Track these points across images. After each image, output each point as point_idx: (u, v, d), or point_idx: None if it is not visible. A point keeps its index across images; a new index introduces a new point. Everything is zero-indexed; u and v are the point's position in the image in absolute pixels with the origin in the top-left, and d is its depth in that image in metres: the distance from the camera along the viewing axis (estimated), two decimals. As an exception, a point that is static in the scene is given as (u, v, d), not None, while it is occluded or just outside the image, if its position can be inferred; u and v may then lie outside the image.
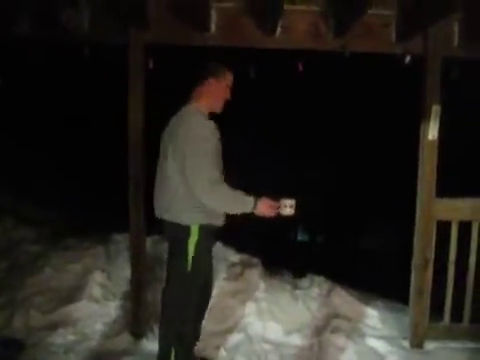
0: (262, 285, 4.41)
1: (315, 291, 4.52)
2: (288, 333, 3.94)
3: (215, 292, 4.18)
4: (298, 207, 3.07)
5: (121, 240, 5.11)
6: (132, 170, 3.66)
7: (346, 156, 8.45)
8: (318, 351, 3.75)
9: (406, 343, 3.82)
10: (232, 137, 8.42)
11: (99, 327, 3.93)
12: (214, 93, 3.06)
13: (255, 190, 2.99)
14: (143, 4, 3.44)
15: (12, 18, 3.55)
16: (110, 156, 7.56)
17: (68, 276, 4.56)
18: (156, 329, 3.86)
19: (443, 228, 3.73)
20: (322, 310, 4.25)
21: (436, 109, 3.57)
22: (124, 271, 4.38)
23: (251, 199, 2.96)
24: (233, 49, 3.61)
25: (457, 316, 3.87)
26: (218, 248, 5.20)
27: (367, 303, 4.35)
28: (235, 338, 3.86)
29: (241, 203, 2.96)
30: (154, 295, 4.12)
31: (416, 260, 3.74)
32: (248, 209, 2.96)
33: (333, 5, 3.39)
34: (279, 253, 5.26)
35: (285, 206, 3.07)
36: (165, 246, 5.05)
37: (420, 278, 3.75)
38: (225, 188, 2.90)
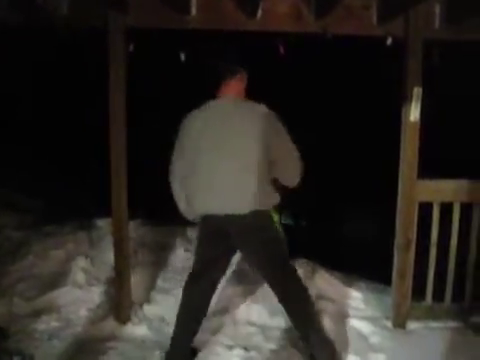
0: (246, 267, 4.42)
1: (299, 273, 4.53)
2: (272, 315, 3.95)
3: (199, 276, 4.20)
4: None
5: (103, 225, 5.08)
6: (114, 154, 3.63)
7: (328, 140, 8.46)
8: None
9: (389, 323, 3.87)
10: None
11: (83, 313, 3.91)
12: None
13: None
14: (123, -14, 3.39)
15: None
16: (92, 141, 7.51)
17: (51, 262, 4.53)
18: (140, 313, 3.88)
19: (425, 209, 3.76)
20: (306, 292, 4.27)
21: (417, 91, 3.57)
22: (107, 256, 4.37)
23: None
24: (214, 32, 3.59)
25: (439, 296, 3.92)
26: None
27: (350, 285, 4.39)
28: (220, 321, 3.86)
29: None
30: (138, 280, 4.12)
31: (398, 241, 3.77)
32: None
33: (314, -13, 3.36)
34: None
35: None
36: (147, 230, 5.11)
37: (402, 259, 3.79)
38: None
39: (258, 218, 2.96)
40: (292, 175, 3.07)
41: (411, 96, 3.57)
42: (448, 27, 3.50)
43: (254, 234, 3.02)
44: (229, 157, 2.93)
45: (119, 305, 3.81)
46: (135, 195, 3.84)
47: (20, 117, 8.37)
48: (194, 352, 3.42)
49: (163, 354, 3.35)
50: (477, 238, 3.85)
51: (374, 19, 3.50)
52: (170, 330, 3.70)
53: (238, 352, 3.45)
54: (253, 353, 3.47)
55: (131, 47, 3.58)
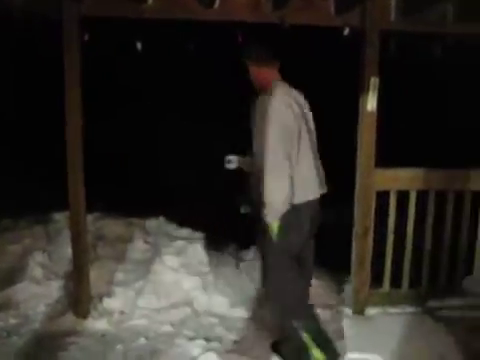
0: (206, 259, 4.42)
1: (259, 263, 4.57)
2: (233, 305, 3.98)
3: (159, 268, 4.18)
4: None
5: (61, 219, 4.99)
6: (70, 146, 3.55)
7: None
8: (263, 322, 3.81)
9: (348, 310, 3.93)
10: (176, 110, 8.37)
11: (42, 308, 3.84)
12: None
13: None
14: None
15: None
16: (47, 133, 7.35)
17: (7, 258, 4.44)
18: (100, 307, 3.84)
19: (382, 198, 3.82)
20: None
21: (374, 81, 3.62)
22: (65, 250, 4.29)
23: None
24: (170, 21, 3.55)
25: (396, 283, 4.00)
26: (161, 223, 5.19)
27: (310, 273, 4.44)
28: (181, 313, 3.86)
29: None
30: (97, 273, 4.07)
31: (356, 229, 3.83)
32: None
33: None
34: (222, 226, 5.26)
35: (228, 162, 3.50)
36: (105, 223, 5.04)
37: (360, 247, 3.85)
38: None
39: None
40: None
41: (368, 86, 3.62)
42: (403, 19, 3.55)
43: (320, 217, 3.22)
44: (313, 140, 3.16)
45: (78, 299, 3.75)
46: (92, 188, 3.78)
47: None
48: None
49: (122, 348, 3.35)
50: (432, 225, 3.94)
51: (332, 10, 3.52)
52: (130, 323, 3.71)
53: (200, 343, 3.45)
54: (215, 344, 3.48)
55: (86, 36, 3.51)
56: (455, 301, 3.92)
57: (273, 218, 2.94)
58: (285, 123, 2.92)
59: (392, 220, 3.88)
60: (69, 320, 3.70)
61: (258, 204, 3.03)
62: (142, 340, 3.50)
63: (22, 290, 4.01)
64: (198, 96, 8.49)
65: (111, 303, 3.89)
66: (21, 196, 6.25)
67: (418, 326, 3.73)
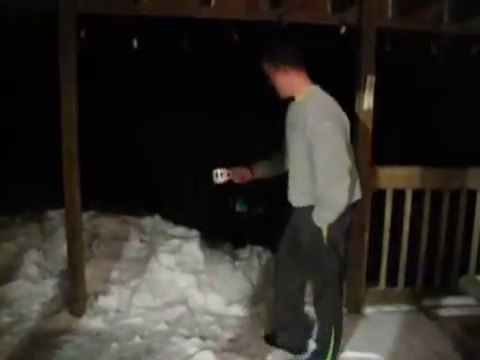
0: (202, 257, 4.41)
1: (255, 261, 4.57)
2: (229, 304, 3.97)
3: (154, 266, 4.17)
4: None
5: (56, 217, 4.98)
6: (66, 143, 3.53)
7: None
8: (258, 320, 3.81)
9: (344, 309, 3.93)
10: (171, 109, 8.34)
11: (37, 307, 3.82)
12: None
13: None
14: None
15: None
16: (42, 130, 7.32)
17: (1, 255, 4.41)
18: (96, 306, 3.83)
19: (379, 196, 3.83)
20: (262, 280, 4.31)
21: (371, 79, 3.62)
22: (60, 248, 4.29)
23: None
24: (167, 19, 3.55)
25: (392, 281, 4.01)
26: (156, 221, 5.18)
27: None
28: (176, 311, 3.85)
29: None
30: (92, 271, 4.06)
31: (352, 228, 3.83)
32: None
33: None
34: (218, 224, 5.26)
35: (216, 175, 3.33)
36: (101, 221, 5.02)
37: (356, 245, 3.85)
38: None
39: None
40: None
41: (364, 84, 3.62)
42: (400, 17, 3.56)
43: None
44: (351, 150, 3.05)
45: (73, 298, 3.74)
46: (88, 185, 3.76)
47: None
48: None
49: (118, 346, 3.35)
50: (428, 223, 3.95)
51: (328, 8, 3.52)
52: (126, 321, 3.69)
53: (195, 341, 3.44)
54: (210, 342, 3.47)
55: (82, 33, 3.50)
56: (450, 300, 3.93)
57: (324, 224, 2.91)
58: (342, 122, 2.94)
59: (388, 218, 3.89)
60: (64, 318, 3.68)
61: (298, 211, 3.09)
62: (137, 338, 3.49)
63: (17, 288, 3.99)
64: (194, 94, 8.49)
65: (106, 301, 3.88)
66: (16, 194, 6.22)
67: (414, 325, 3.76)
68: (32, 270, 4.19)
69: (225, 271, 4.33)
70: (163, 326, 3.66)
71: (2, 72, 7.64)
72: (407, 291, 4.03)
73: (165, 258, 4.25)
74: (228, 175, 3.35)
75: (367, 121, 3.70)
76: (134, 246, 4.68)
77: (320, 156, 2.80)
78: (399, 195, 3.90)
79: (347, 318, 3.79)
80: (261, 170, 3.42)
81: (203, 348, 3.33)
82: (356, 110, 3.72)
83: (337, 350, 3.17)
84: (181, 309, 3.87)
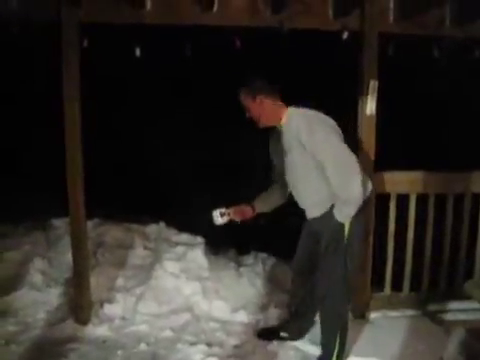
0: (206, 264, 4.42)
1: (259, 267, 4.57)
2: (234, 310, 3.97)
3: (159, 273, 4.17)
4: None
5: (61, 225, 4.98)
6: (70, 151, 3.54)
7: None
8: (263, 326, 3.81)
9: (349, 314, 3.91)
10: (174, 115, 8.34)
11: (42, 315, 3.82)
12: None
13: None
14: (75, -20, 3.31)
15: None
16: (46, 138, 7.33)
17: (6, 264, 4.41)
18: (101, 314, 3.83)
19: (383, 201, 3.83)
20: (267, 286, 4.30)
21: (373, 84, 3.62)
22: (65, 257, 4.29)
23: None
24: (169, 27, 3.56)
25: (397, 286, 4.00)
26: (161, 229, 5.18)
27: (310, 277, 4.43)
28: (181, 318, 3.85)
29: None
30: (97, 279, 4.06)
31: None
32: None
33: (270, -19, 3.37)
34: (222, 231, 5.25)
35: (216, 216, 3.34)
36: (105, 229, 5.03)
37: (361, 250, 3.84)
38: None
39: None
40: None
41: (367, 90, 3.62)
42: (402, 21, 3.56)
43: None
44: None
45: (79, 306, 3.74)
46: (92, 193, 3.77)
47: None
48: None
49: (123, 353, 3.35)
50: (433, 228, 3.94)
51: (330, 13, 3.53)
52: (131, 329, 3.69)
53: (201, 348, 3.43)
54: (216, 349, 3.46)
55: (85, 42, 3.51)
56: (456, 304, 3.92)
57: (348, 218, 2.94)
58: (331, 125, 3.02)
59: (392, 224, 3.88)
60: (70, 327, 3.68)
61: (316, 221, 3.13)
62: (143, 346, 3.48)
63: (22, 297, 3.99)
64: (196, 101, 8.49)
65: (112, 309, 3.88)
66: (21, 202, 6.23)
67: (419, 330, 3.74)
68: (37, 278, 4.19)
69: (230, 278, 4.33)
70: (168, 333, 3.65)
71: (5, 81, 7.68)
72: (412, 296, 4.02)
73: (170, 265, 4.26)
74: (228, 214, 3.35)
75: (370, 126, 3.69)
76: (139, 254, 4.68)
77: (327, 160, 2.86)
78: (403, 200, 3.90)
79: (352, 323, 3.78)
80: (262, 205, 3.46)
81: (209, 355, 3.33)
82: (359, 115, 3.72)
83: (342, 356, 3.16)
84: (186, 316, 3.87)
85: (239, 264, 4.69)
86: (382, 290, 4.01)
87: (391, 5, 3.57)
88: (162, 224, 5.25)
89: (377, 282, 3.98)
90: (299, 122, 2.96)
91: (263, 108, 3.09)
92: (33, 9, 3.42)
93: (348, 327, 3.21)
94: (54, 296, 4.04)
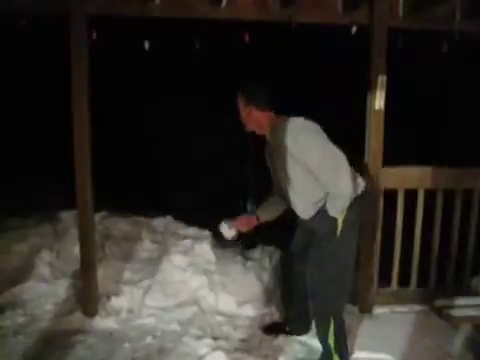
0: (213, 257, 4.42)
1: (266, 261, 4.57)
2: (240, 304, 3.97)
3: (166, 266, 4.18)
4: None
5: (68, 217, 4.99)
6: (78, 144, 3.55)
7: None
8: (270, 320, 3.81)
9: (355, 309, 3.92)
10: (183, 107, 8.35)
11: (49, 307, 3.84)
12: None
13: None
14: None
15: None
16: (50, 129, 7.35)
17: (15, 257, 4.43)
18: (108, 306, 3.84)
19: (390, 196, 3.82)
20: (273, 280, 4.30)
21: (382, 79, 3.61)
22: (73, 249, 4.31)
23: None
24: (178, 20, 3.55)
25: (404, 281, 3.99)
26: (168, 222, 5.19)
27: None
28: (188, 311, 3.86)
29: None
30: (104, 272, 4.08)
31: (364, 228, 3.81)
32: None
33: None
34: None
35: (225, 229, 3.40)
36: (113, 221, 5.04)
37: (368, 245, 3.84)
38: None
39: None
40: None
41: (375, 85, 3.61)
42: (411, 15, 3.54)
43: None
44: None
45: (86, 298, 3.76)
46: (100, 186, 3.78)
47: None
48: None
49: (130, 346, 3.37)
50: (441, 223, 3.93)
51: (339, 8, 3.51)
52: (138, 322, 3.71)
53: (207, 342, 3.44)
54: (222, 342, 3.47)
55: (94, 35, 3.51)
56: (463, 300, 3.90)
57: (340, 212, 2.97)
58: (314, 128, 3.01)
59: (400, 219, 3.87)
60: (77, 319, 3.70)
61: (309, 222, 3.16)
62: (149, 339, 3.50)
63: (29, 289, 4.02)
64: (205, 95, 8.49)
65: (119, 302, 3.89)
66: (28, 195, 6.26)
67: (426, 325, 3.73)
68: (45, 271, 4.21)
69: (237, 271, 4.34)
70: (175, 326, 3.67)
71: (16, 74, 7.71)
72: (419, 291, 4.01)
73: (177, 259, 4.27)
74: (235, 226, 3.38)
75: (378, 121, 3.69)
76: (146, 247, 4.69)
77: (313, 160, 2.91)
78: (411, 195, 3.89)
79: (358, 318, 3.81)
80: (265, 214, 3.46)
81: (215, 348, 3.33)
82: (367, 110, 3.71)
83: (342, 351, 3.14)
84: (193, 309, 3.88)
85: (246, 258, 4.69)
86: (389, 285, 4.00)
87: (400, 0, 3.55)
88: (169, 217, 5.26)
89: (384, 277, 3.97)
90: (283, 130, 2.99)
91: (251, 116, 3.16)
92: (40, 2, 3.43)
93: (344, 323, 3.16)
94: (62, 288, 4.06)
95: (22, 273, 4.19)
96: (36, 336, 3.49)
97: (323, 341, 3.15)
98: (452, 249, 3.99)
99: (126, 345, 3.42)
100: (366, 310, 3.90)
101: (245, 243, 5.03)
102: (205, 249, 4.46)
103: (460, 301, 3.77)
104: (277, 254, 4.70)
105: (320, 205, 3.04)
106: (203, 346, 3.38)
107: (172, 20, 3.52)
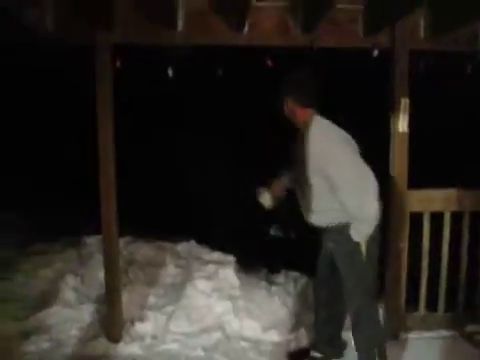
0: (237, 283, 4.40)
1: (291, 286, 4.54)
2: (265, 330, 3.94)
3: (190, 292, 4.17)
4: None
5: (93, 243, 5.03)
6: (103, 170, 3.59)
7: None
8: (295, 346, 3.77)
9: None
10: (206, 134, 8.41)
11: (74, 332, 3.85)
12: None
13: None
14: (109, 3, 3.37)
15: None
16: (76, 155, 7.46)
17: (40, 281, 4.48)
18: (132, 331, 3.84)
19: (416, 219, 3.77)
20: (298, 306, 4.26)
21: (405, 102, 3.60)
22: (97, 274, 4.33)
23: None
24: (201, 47, 3.60)
25: (432, 306, 3.92)
26: (192, 247, 5.20)
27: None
28: (212, 337, 3.83)
29: None
30: (129, 297, 4.08)
31: (390, 252, 3.77)
32: None
33: (301, 1, 3.37)
34: (253, 249, 5.24)
35: (260, 195, 3.35)
36: (137, 246, 5.06)
37: (394, 269, 3.79)
38: None
39: None
40: None
41: (398, 107, 3.60)
42: (433, 37, 3.54)
43: None
44: None
45: (110, 323, 3.76)
46: (124, 211, 3.80)
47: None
48: None
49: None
50: (468, 247, 3.86)
51: (360, 31, 3.52)
52: (162, 347, 3.69)
53: (232, 368, 3.42)
54: (247, 368, 3.44)
55: (118, 63, 3.57)
56: (493, 325, 3.83)
57: (364, 238, 2.91)
58: (347, 141, 3.00)
59: (426, 242, 3.82)
60: (101, 344, 3.69)
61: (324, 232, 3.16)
62: (174, 365, 3.49)
63: (54, 314, 4.04)
64: (229, 120, 8.55)
65: (143, 327, 3.88)
66: (53, 220, 6.33)
67: (455, 351, 3.65)
68: (70, 295, 4.23)
69: (261, 297, 4.30)
70: (200, 352, 3.64)
71: (41, 100, 7.86)
72: (448, 316, 3.92)
73: (201, 284, 4.26)
74: (271, 194, 3.34)
75: (402, 143, 3.66)
76: (170, 272, 4.69)
77: (340, 179, 2.85)
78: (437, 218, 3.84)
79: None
80: (287, 181, 3.41)
81: (240, 374, 3.31)
82: (391, 132, 3.70)
83: None
84: (217, 335, 3.85)
85: (270, 283, 4.66)
86: (416, 310, 3.93)
87: (422, 22, 3.55)
88: (193, 242, 5.26)
89: (411, 301, 3.91)
90: (314, 133, 2.99)
91: (289, 109, 3.16)
92: (68, 31, 3.50)
93: (385, 346, 3.13)
94: (86, 313, 4.07)
95: (47, 298, 4.23)
96: (61, 362, 3.49)
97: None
98: (480, 272, 3.92)
99: (150, 371, 3.40)
100: (393, 335, 3.82)
101: (269, 268, 5.02)
102: (229, 274, 4.44)
103: (490, 326, 3.71)
104: (302, 279, 4.67)
105: (334, 220, 3.00)
106: (228, 372, 3.36)
107: (195, 47, 3.57)
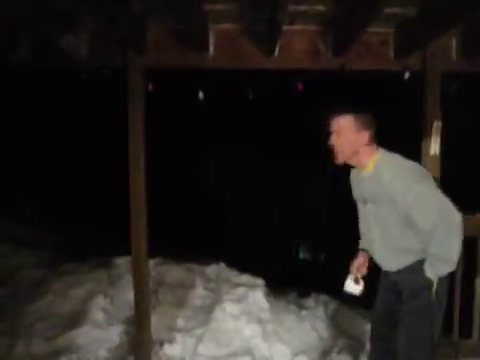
0: (267, 306, 4.37)
1: (321, 311, 4.49)
2: (295, 355, 3.88)
3: (219, 315, 4.15)
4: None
5: (123, 264, 5.07)
6: (133, 191, 3.62)
7: (344, 172, 8.47)
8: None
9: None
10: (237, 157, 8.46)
11: (103, 353, 3.86)
12: None
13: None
14: (142, 27, 3.44)
15: (10, 44, 3.54)
16: (107, 176, 7.56)
17: (70, 301, 4.52)
18: (161, 353, 3.83)
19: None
20: (328, 330, 4.20)
21: (437, 125, 3.56)
22: (127, 295, 4.35)
23: None
24: (232, 70, 3.63)
25: (465, 333, 3.82)
26: (221, 269, 5.19)
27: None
28: (241, 362, 3.80)
29: None
30: (158, 319, 4.08)
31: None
32: None
33: (331, 24, 3.39)
34: (282, 272, 5.21)
35: (351, 287, 3.05)
36: (167, 268, 5.08)
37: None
38: None
39: None
40: None
41: (430, 130, 3.56)
42: (465, 59, 3.51)
43: None
44: None
45: (139, 345, 3.75)
46: (154, 232, 3.82)
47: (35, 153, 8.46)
48: None
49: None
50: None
51: (391, 54, 3.51)
52: (190, 370, 3.67)
53: (262, 393, 3.38)
54: (277, 393, 3.40)
55: (150, 86, 3.62)
56: None
57: (441, 276, 2.72)
58: (425, 175, 2.79)
59: (459, 267, 3.72)
60: (130, 365, 3.70)
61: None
62: (202, 388, 3.46)
63: (84, 334, 4.06)
64: (260, 142, 8.59)
65: (171, 349, 3.88)
66: (84, 241, 6.40)
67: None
68: (99, 316, 4.26)
69: (291, 321, 4.27)
70: (229, 376, 3.62)
71: (75, 124, 8.02)
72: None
73: (230, 307, 4.24)
74: (356, 277, 3.07)
75: (434, 167, 3.61)
76: (199, 294, 4.69)
77: (426, 221, 2.63)
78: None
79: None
80: (365, 255, 3.16)
81: (269, 399, 3.26)
82: (422, 156, 3.65)
83: None
84: (246, 359, 3.81)
85: (300, 307, 4.62)
86: (449, 336, 3.83)
87: (453, 44, 3.52)
88: (222, 264, 5.25)
89: (443, 327, 3.82)
90: (391, 172, 2.70)
91: (356, 144, 2.79)
92: (101, 56, 3.58)
93: None
94: (115, 334, 4.08)
95: (78, 318, 4.26)
96: (90, 382, 3.50)
97: None
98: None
99: (178, 393, 3.38)
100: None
101: (299, 291, 4.98)
102: (258, 297, 4.42)
103: None
104: (332, 303, 4.62)
105: (408, 261, 2.78)
106: (257, 397, 3.32)
107: (225, 70, 3.60)
